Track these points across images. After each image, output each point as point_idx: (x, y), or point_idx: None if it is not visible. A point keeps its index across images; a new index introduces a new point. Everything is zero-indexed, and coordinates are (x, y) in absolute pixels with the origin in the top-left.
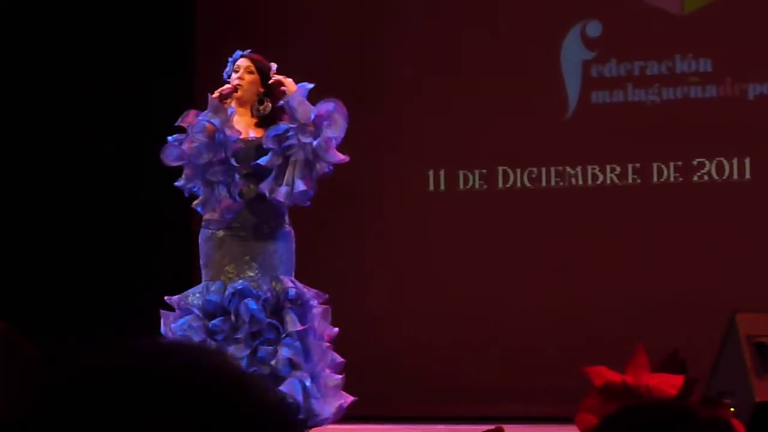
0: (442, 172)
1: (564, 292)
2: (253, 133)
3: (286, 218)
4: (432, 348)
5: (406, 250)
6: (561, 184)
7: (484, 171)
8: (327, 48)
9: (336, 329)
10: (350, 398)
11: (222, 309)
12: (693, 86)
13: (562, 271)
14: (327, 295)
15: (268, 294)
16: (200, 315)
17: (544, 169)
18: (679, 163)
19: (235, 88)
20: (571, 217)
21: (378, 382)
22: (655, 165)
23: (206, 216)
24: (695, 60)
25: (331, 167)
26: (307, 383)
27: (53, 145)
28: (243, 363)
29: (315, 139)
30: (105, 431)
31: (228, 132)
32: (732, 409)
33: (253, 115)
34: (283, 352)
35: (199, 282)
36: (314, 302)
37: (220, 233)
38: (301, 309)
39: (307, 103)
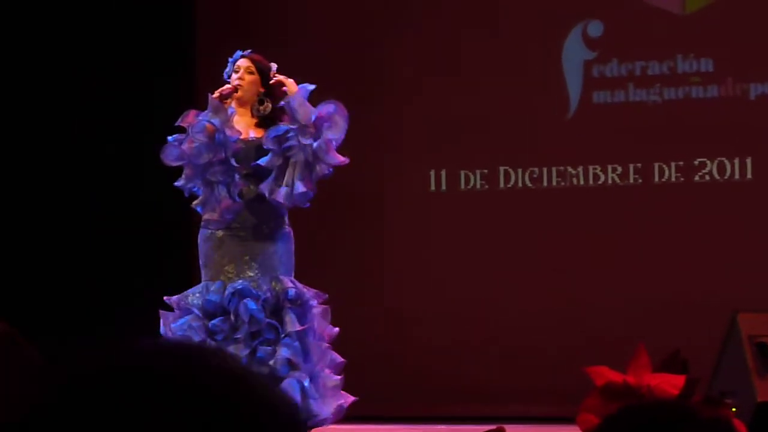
0: (443, 172)
1: (565, 292)
2: (253, 134)
3: (286, 219)
4: (432, 348)
5: (408, 250)
6: (562, 184)
7: (486, 171)
8: (327, 48)
9: (336, 329)
10: (351, 398)
11: (222, 309)
12: (694, 86)
13: (563, 270)
14: (327, 295)
15: (268, 294)
16: (200, 315)
17: (545, 169)
18: (681, 163)
19: (236, 89)
20: (573, 217)
21: (378, 382)
22: (656, 165)
23: (205, 216)
24: (696, 60)
25: (330, 169)
26: (306, 383)
27: (53, 145)
28: None
29: (315, 140)
30: (105, 431)
31: (228, 132)
32: (733, 409)
33: (253, 116)
34: (282, 352)
35: (199, 282)
36: (314, 302)
37: (220, 233)
38: (301, 309)
39: (308, 104)
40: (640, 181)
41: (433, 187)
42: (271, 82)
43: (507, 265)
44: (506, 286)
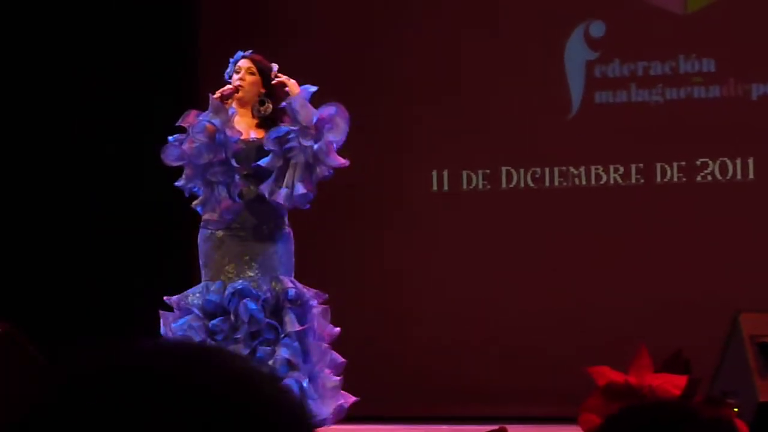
0: (445, 173)
1: (566, 292)
2: (254, 134)
3: (286, 219)
4: (433, 348)
5: (409, 250)
6: (564, 184)
7: (488, 171)
8: (328, 48)
9: (337, 329)
10: (351, 398)
11: (222, 309)
12: (696, 86)
13: (565, 271)
14: (327, 295)
15: (268, 294)
16: (200, 315)
17: (547, 170)
18: (683, 163)
19: (236, 89)
20: (574, 217)
21: (378, 382)
22: (658, 165)
23: (205, 216)
24: (698, 60)
25: (331, 171)
26: (304, 384)
27: (54, 145)
28: None
29: (316, 142)
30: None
31: (229, 132)
32: (735, 410)
33: (254, 116)
34: (281, 352)
35: (199, 282)
36: (314, 302)
37: (219, 233)
38: (301, 309)
39: (310, 106)
40: (642, 181)
41: (435, 187)
42: (273, 82)
43: (508, 265)
44: (507, 286)
